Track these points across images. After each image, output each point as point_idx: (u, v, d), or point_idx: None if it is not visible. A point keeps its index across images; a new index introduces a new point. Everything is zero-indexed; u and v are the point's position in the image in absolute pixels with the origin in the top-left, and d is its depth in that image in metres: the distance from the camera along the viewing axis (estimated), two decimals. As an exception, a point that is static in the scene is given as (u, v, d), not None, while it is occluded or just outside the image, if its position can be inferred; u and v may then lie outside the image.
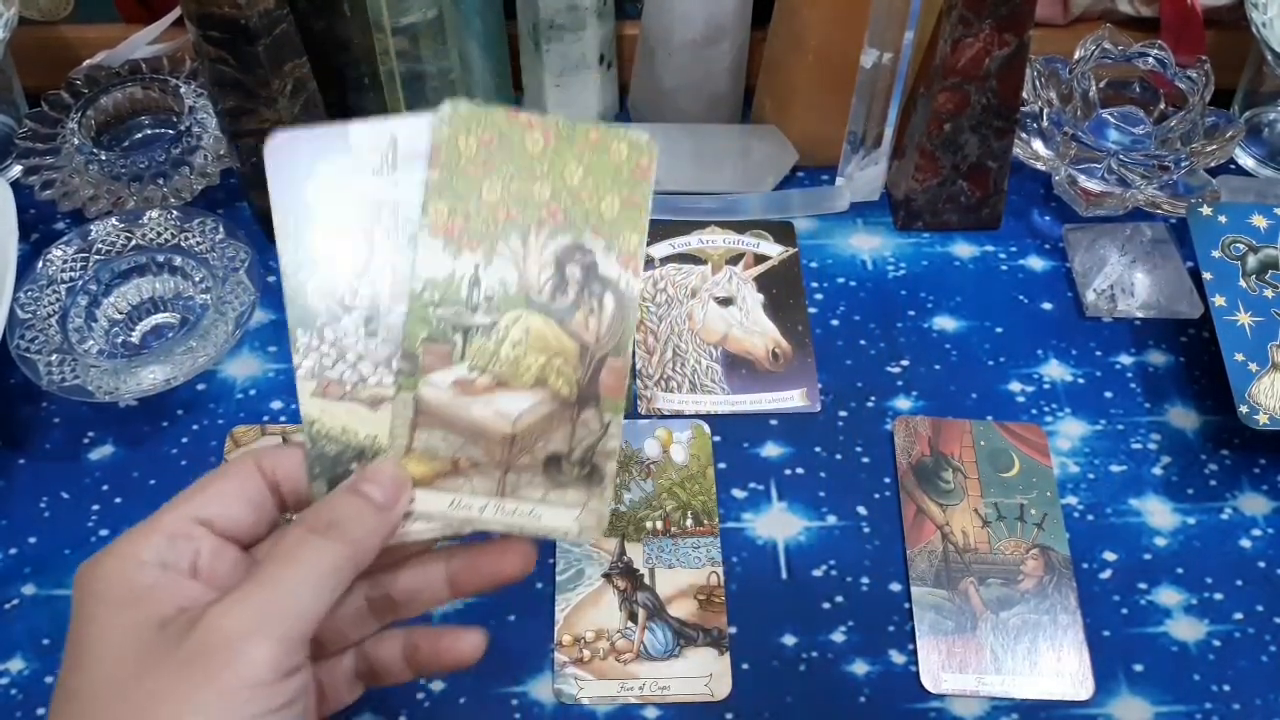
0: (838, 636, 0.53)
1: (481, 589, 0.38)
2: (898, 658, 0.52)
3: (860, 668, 0.52)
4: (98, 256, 0.61)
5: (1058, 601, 0.53)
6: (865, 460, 0.58)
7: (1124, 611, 0.54)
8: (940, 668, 0.51)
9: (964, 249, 0.68)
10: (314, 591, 0.33)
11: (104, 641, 0.32)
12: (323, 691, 0.38)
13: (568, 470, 0.38)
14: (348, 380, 0.37)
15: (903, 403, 0.61)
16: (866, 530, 0.56)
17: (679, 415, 0.60)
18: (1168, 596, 0.54)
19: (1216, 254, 0.61)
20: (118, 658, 0.32)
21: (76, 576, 0.34)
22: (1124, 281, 0.65)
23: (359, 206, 0.37)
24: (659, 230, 0.67)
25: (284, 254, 0.37)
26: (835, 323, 0.64)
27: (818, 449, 0.59)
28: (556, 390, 0.38)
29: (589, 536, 0.38)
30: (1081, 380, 0.62)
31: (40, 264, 0.60)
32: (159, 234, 0.62)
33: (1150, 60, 0.68)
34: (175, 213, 0.62)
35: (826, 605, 0.54)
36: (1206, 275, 0.60)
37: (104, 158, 0.65)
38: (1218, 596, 0.54)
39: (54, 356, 0.57)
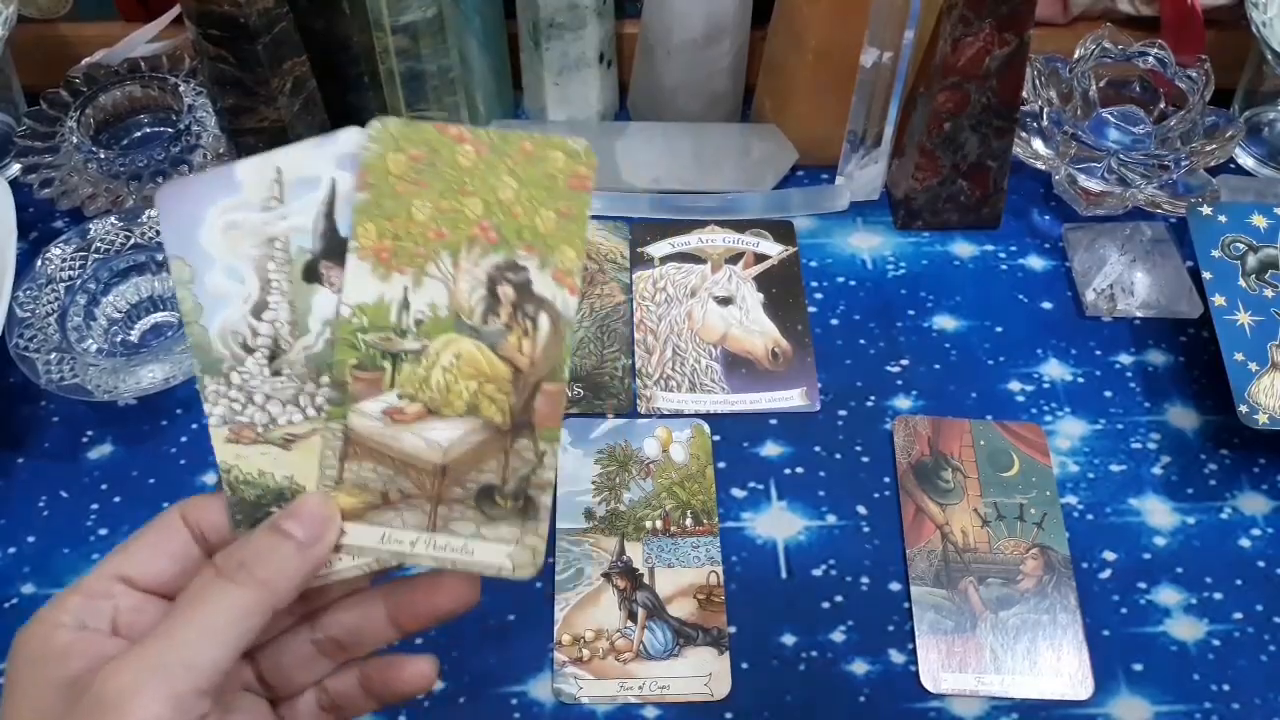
0: (837, 636, 0.53)
1: (422, 626, 0.37)
2: (897, 657, 0.52)
3: (860, 667, 0.52)
4: (96, 255, 0.61)
5: (1057, 601, 0.53)
6: (865, 460, 0.58)
7: (1123, 611, 0.54)
8: (940, 667, 0.51)
9: (964, 248, 0.68)
10: (214, 640, 0.32)
11: (18, 703, 0.32)
12: None
13: (501, 503, 0.36)
14: (258, 422, 0.36)
15: (902, 402, 0.61)
16: (866, 530, 0.56)
17: (679, 414, 0.60)
18: (1167, 596, 0.54)
19: (1216, 253, 0.61)
20: (29, 717, 0.32)
21: (12, 644, 0.33)
22: (1124, 281, 0.65)
23: (251, 244, 0.36)
24: (659, 229, 0.67)
25: (183, 302, 0.36)
26: (835, 322, 0.64)
27: (817, 448, 0.59)
28: (489, 418, 0.36)
29: (523, 574, 0.36)
30: (1081, 380, 0.62)
31: (39, 263, 0.60)
32: (158, 232, 0.62)
33: (1150, 60, 0.68)
34: (174, 211, 0.62)
35: (826, 605, 0.54)
36: (1206, 275, 0.60)
37: (103, 156, 0.65)
38: (1217, 596, 0.54)
39: (53, 355, 0.57)
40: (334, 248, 0.36)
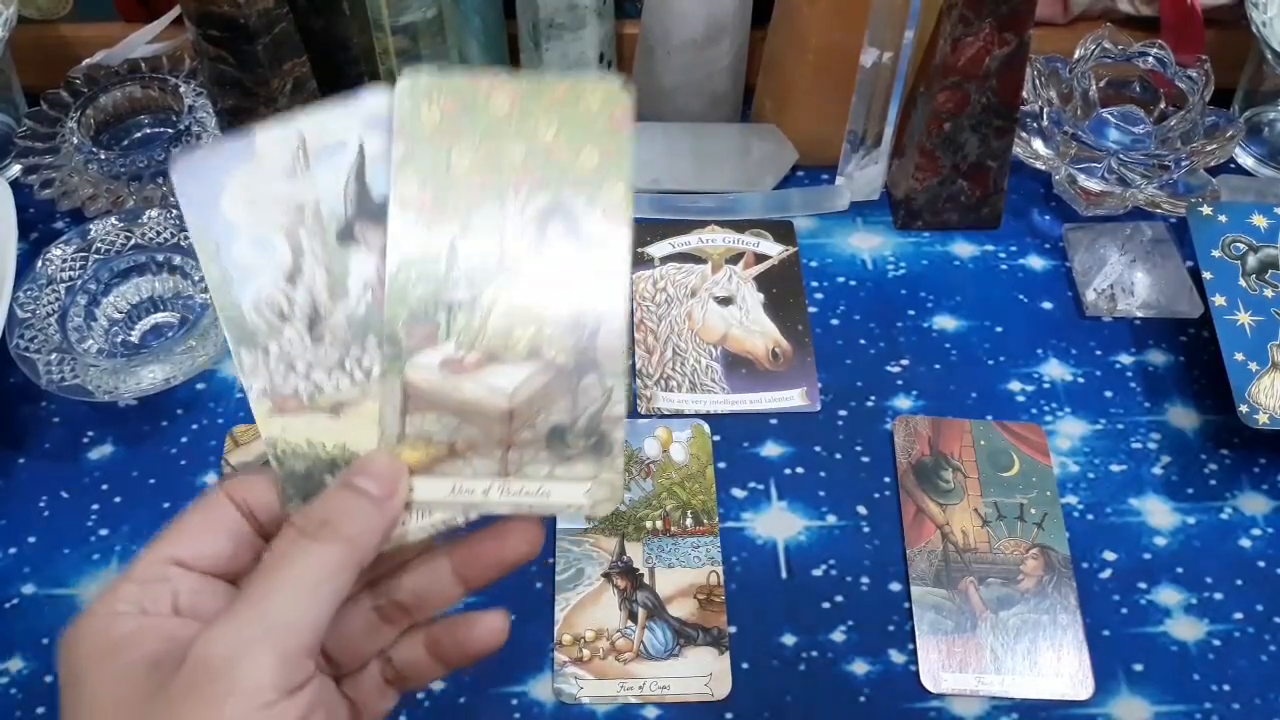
0: (837, 636, 0.53)
1: (490, 578, 0.36)
2: (897, 657, 0.52)
3: (860, 667, 0.52)
4: (97, 255, 0.61)
5: (1057, 601, 0.53)
6: (865, 460, 0.58)
7: (1124, 611, 0.54)
8: (940, 667, 0.51)
9: (964, 248, 0.68)
10: (310, 598, 0.31)
11: (95, 699, 0.31)
12: (355, 708, 0.36)
13: (573, 442, 0.35)
14: (303, 391, 0.35)
15: (903, 402, 0.61)
16: (866, 530, 0.56)
17: (679, 415, 0.60)
18: (1167, 596, 0.54)
19: (1216, 253, 0.61)
20: (111, 711, 0.30)
21: (60, 645, 0.32)
22: (1124, 281, 0.65)
23: (278, 212, 0.35)
24: (659, 229, 0.67)
25: (210, 276, 0.35)
26: (835, 322, 0.64)
27: (818, 448, 0.59)
28: (552, 359, 0.35)
29: (603, 509, 0.36)
30: (1081, 380, 0.62)
31: (40, 263, 0.60)
32: (158, 233, 0.62)
33: (1150, 59, 0.68)
34: (175, 212, 0.62)
35: (826, 605, 0.54)
36: (1206, 275, 0.60)
37: (103, 157, 0.65)
38: (1217, 596, 0.54)
39: (53, 356, 0.57)
40: (368, 210, 0.35)
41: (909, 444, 0.58)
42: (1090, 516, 0.57)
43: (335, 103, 0.35)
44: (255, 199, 0.35)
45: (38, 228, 0.67)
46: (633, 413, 0.60)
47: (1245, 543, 0.56)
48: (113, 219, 0.62)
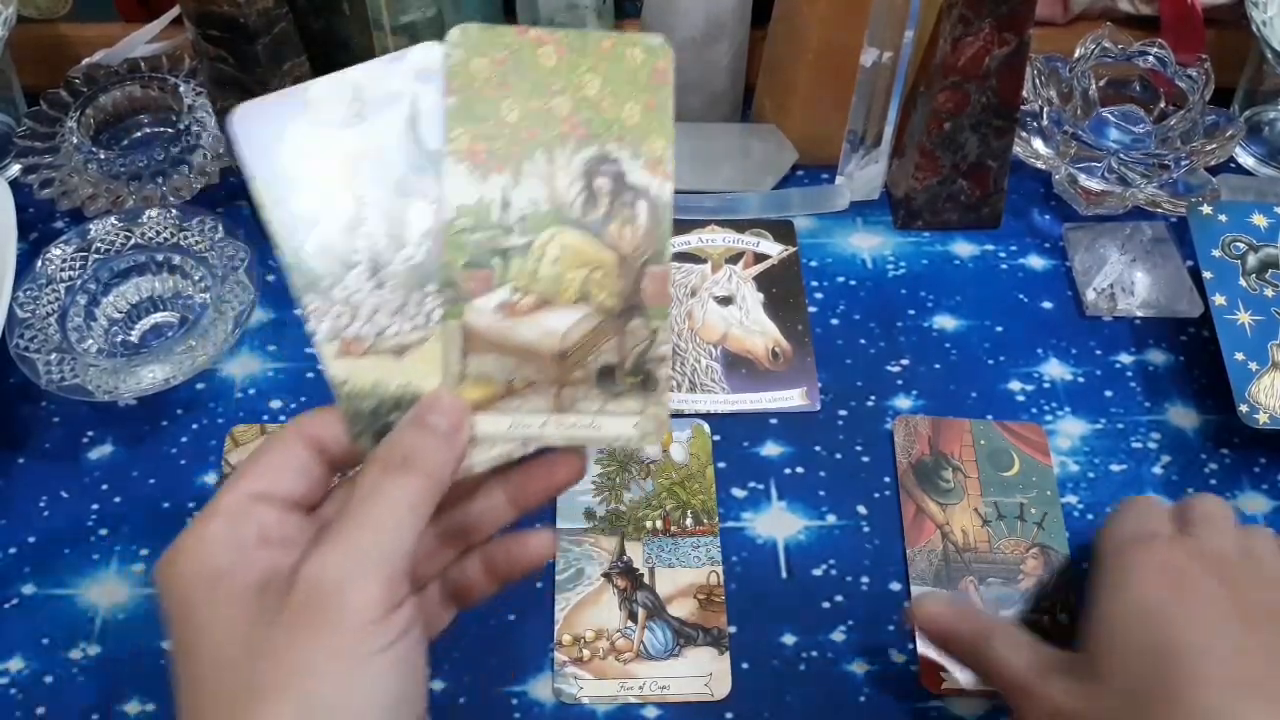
0: (838, 636, 0.53)
1: (540, 501, 0.40)
2: (897, 657, 0.52)
3: (860, 667, 0.52)
4: (97, 255, 0.61)
5: (1058, 602, 0.53)
6: (865, 460, 0.58)
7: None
8: (940, 667, 0.51)
9: (964, 248, 0.68)
10: (401, 525, 0.34)
11: (208, 624, 0.33)
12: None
13: (621, 380, 0.38)
14: (367, 335, 0.37)
15: (903, 402, 0.61)
16: (866, 530, 0.56)
17: (679, 415, 0.60)
18: (1167, 596, 0.54)
19: (1216, 253, 0.61)
20: (225, 634, 0.33)
21: (156, 577, 0.34)
22: (1124, 280, 0.65)
23: (336, 162, 0.36)
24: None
25: (272, 223, 0.36)
26: (835, 322, 0.64)
27: (817, 448, 0.59)
28: (600, 303, 0.38)
29: (651, 441, 0.38)
30: (1081, 379, 0.62)
31: (39, 263, 0.60)
32: (158, 233, 0.62)
33: (1150, 59, 0.68)
34: (174, 211, 0.62)
35: (826, 605, 0.54)
36: (1207, 274, 0.60)
37: (103, 156, 0.65)
38: (1217, 596, 0.54)
39: (53, 356, 0.57)
40: (423, 161, 0.37)
41: (909, 444, 0.58)
42: (1090, 516, 0.57)
43: (387, 57, 0.36)
44: (315, 149, 0.36)
45: (37, 227, 0.67)
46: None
47: (1245, 542, 0.56)
48: (112, 219, 0.62)
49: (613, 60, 0.37)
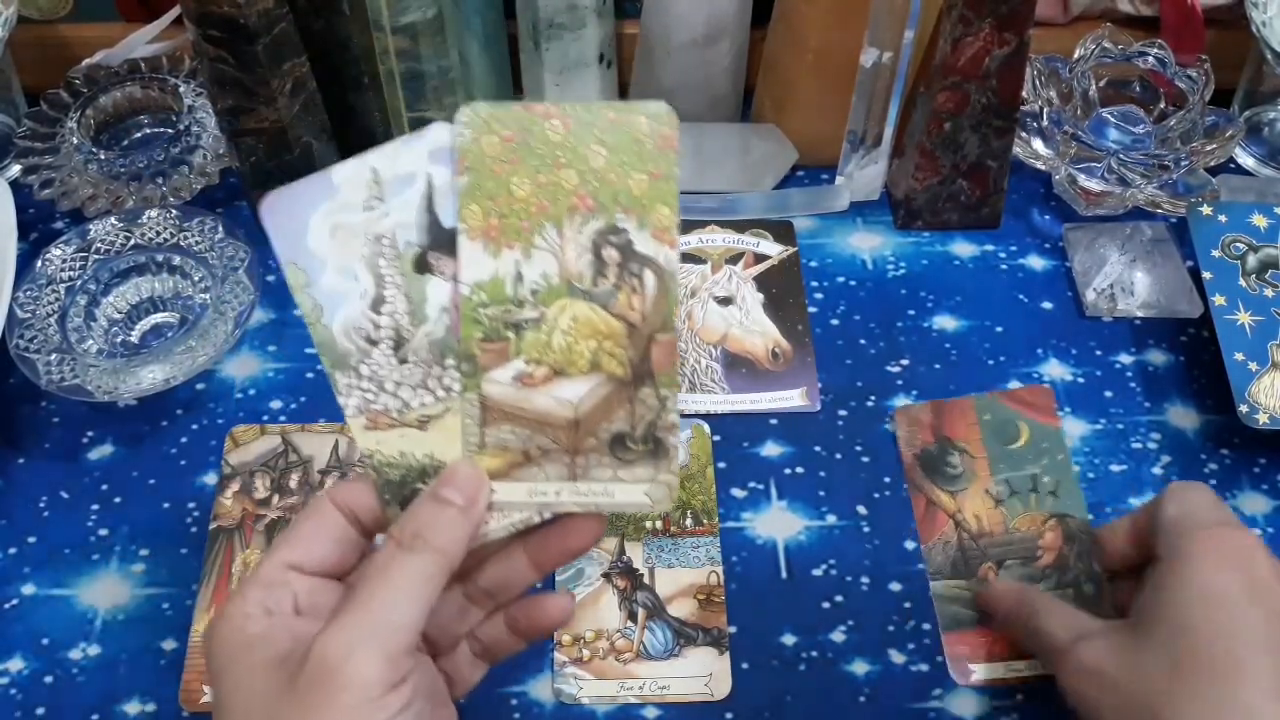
0: (838, 636, 0.53)
1: (559, 563, 0.41)
2: (897, 657, 0.52)
3: (860, 667, 0.52)
4: (97, 256, 0.61)
5: (1081, 571, 0.52)
6: (865, 459, 0.58)
7: (1124, 611, 0.54)
8: (969, 659, 0.51)
9: (964, 248, 0.68)
10: (409, 603, 0.35)
11: (237, 690, 0.35)
12: (450, 679, 0.41)
13: (633, 448, 0.39)
14: (392, 408, 0.39)
15: (902, 402, 0.61)
16: (867, 529, 0.56)
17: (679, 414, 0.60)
18: (1168, 596, 0.54)
19: (1216, 253, 0.61)
20: (251, 702, 0.35)
21: (205, 642, 0.37)
22: (1124, 281, 0.65)
23: (359, 243, 0.38)
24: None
25: (303, 305, 0.38)
26: (835, 322, 0.64)
27: (818, 448, 0.59)
28: (611, 372, 0.39)
29: (662, 507, 0.40)
30: (1081, 380, 0.62)
31: (39, 263, 0.60)
32: (158, 233, 0.62)
33: (1150, 59, 0.68)
34: (174, 212, 0.62)
35: (826, 605, 0.54)
36: (1206, 274, 0.60)
37: (103, 157, 0.65)
38: (1218, 596, 0.54)
39: (53, 356, 0.57)
40: (439, 239, 0.38)
41: (911, 435, 0.58)
42: (1090, 516, 0.57)
43: (403, 139, 0.38)
44: (338, 231, 0.38)
45: (37, 228, 0.67)
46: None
47: (1245, 542, 0.56)
48: (112, 219, 0.62)
49: (618, 130, 0.38)
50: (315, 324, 0.38)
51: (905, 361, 0.62)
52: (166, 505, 0.56)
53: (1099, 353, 0.63)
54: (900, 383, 0.61)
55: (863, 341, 0.63)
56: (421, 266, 0.38)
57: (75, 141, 0.65)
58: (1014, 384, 0.61)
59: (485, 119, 0.38)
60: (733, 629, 0.53)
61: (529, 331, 0.39)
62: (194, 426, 0.59)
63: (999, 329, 0.64)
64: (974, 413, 0.58)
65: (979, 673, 0.51)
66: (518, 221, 0.38)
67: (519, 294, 0.38)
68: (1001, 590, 0.51)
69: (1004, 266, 0.67)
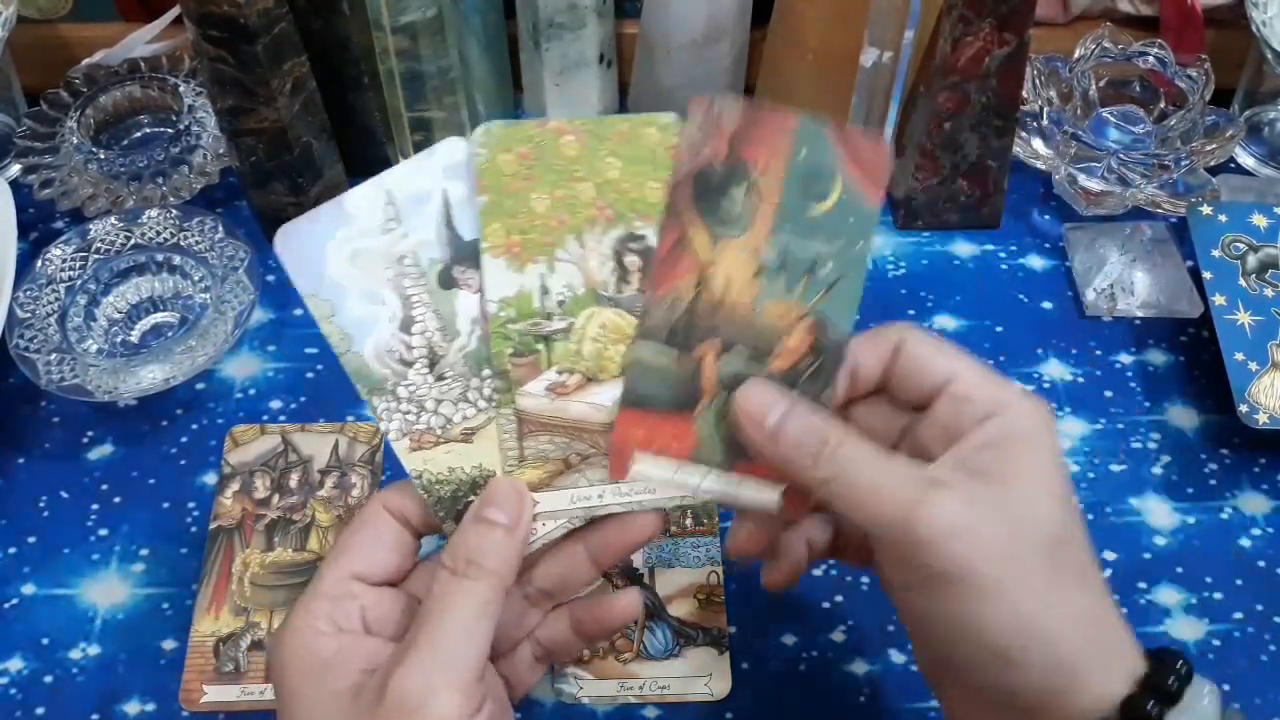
0: (838, 636, 0.53)
1: (621, 559, 0.41)
2: (897, 657, 0.52)
3: (860, 667, 0.52)
4: (97, 255, 0.61)
5: (813, 392, 0.39)
6: (865, 460, 0.58)
7: (1123, 610, 0.53)
8: (640, 445, 0.40)
9: (964, 248, 0.68)
10: (472, 631, 0.36)
11: (309, 714, 0.36)
12: (509, 683, 0.41)
13: None
14: (435, 426, 0.39)
15: (902, 402, 0.61)
16: (866, 530, 0.56)
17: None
18: (1167, 596, 0.54)
19: (1216, 253, 0.61)
20: None
21: (269, 653, 0.38)
22: (1124, 280, 0.65)
23: (380, 267, 0.38)
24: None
25: (330, 336, 0.38)
26: (835, 322, 0.64)
27: (817, 448, 0.59)
28: None
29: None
30: (1081, 379, 0.62)
31: (39, 263, 0.60)
32: (158, 233, 0.62)
33: (1150, 59, 0.68)
34: (174, 212, 0.62)
35: (826, 605, 0.54)
36: (1206, 274, 0.60)
37: (103, 156, 0.65)
38: (1217, 596, 0.54)
39: (53, 356, 0.57)
40: (461, 252, 0.39)
41: (702, 137, 0.40)
42: (1090, 516, 0.57)
43: (414, 159, 0.39)
44: (357, 257, 0.38)
45: (37, 228, 0.67)
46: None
47: (1245, 542, 0.56)
48: (112, 219, 0.62)
49: (630, 142, 0.39)
50: (345, 353, 0.39)
51: (905, 361, 0.62)
52: (166, 505, 0.56)
53: (1099, 352, 0.63)
54: (900, 383, 0.61)
55: (863, 341, 0.63)
56: (447, 282, 0.39)
57: (75, 141, 0.65)
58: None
59: (500, 138, 0.38)
60: (733, 629, 0.53)
61: (559, 342, 0.39)
62: (194, 426, 0.59)
63: (999, 329, 0.64)
64: (790, 139, 0.40)
65: (643, 465, 0.40)
66: (539, 236, 0.39)
67: (546, 306, 0.39)
68: (786, 405, 0.38)
69: (1004, 266, 0.67)
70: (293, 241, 0.38)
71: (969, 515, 0.35)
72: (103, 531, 0.55)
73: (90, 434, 0.59)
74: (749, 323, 0.40)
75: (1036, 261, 0.67)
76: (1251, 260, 0.61)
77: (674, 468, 0.39)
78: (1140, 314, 0.64)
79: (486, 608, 0.36)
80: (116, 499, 0.56)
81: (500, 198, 0.38)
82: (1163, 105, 0.69)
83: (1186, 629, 0.53)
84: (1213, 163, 0.66)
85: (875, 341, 0.41)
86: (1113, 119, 0.67)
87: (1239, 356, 0.57)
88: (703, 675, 0.51)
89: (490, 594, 0.37)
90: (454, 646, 0.36)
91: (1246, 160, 0.72)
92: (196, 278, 0.61)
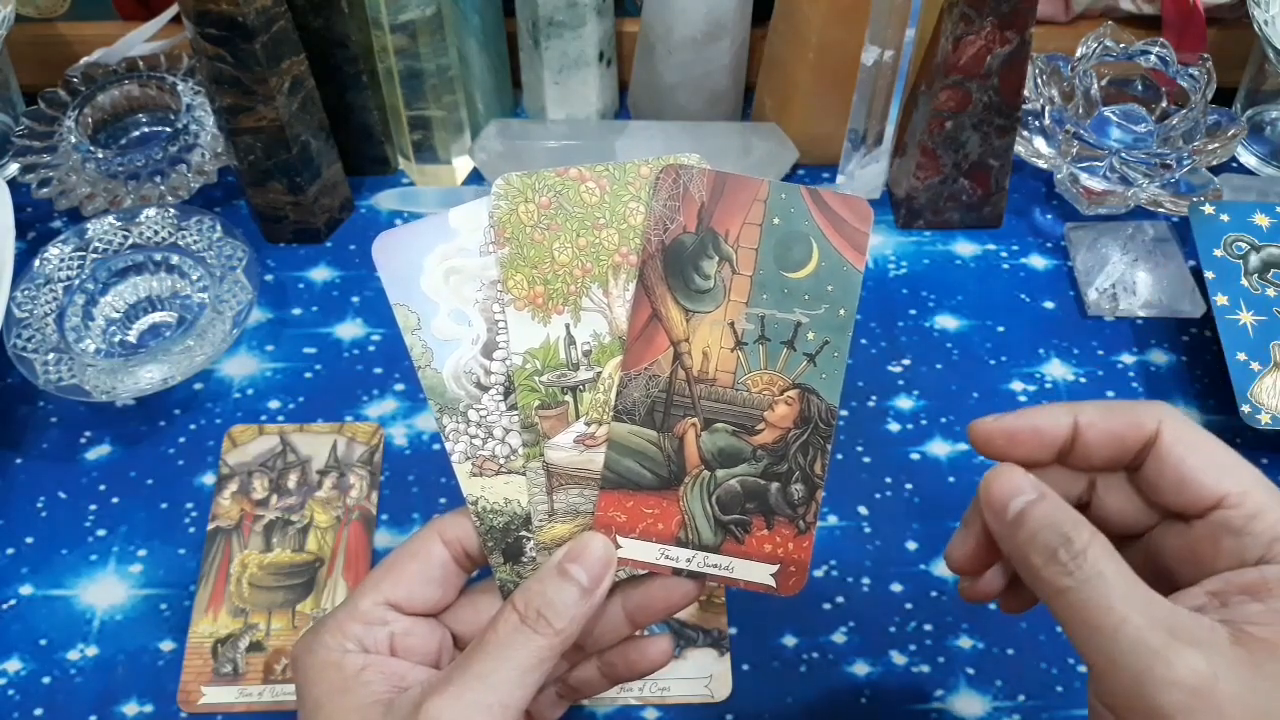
0: (838, 637, 0.53)
1: (657, 620, 0.40)
2: (898, 658, 0.52)
3: (861, 668, 0.52)
4: (95, 255, 0.61)
5: (799, 467, 0.39)
6: (866, 459, 0.58)
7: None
8: (620, 531, 0.39)
9: (965, 247, 0.68)
10: (522, 681, 0.35)
11: None
12: (530, 718, 0.41)
13: None
14: (500, 455, 0.39)
15: (904, 402, 0.60)
16: (867, 530, 0.56)
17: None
18: (1170, 597, 0.54)
19: (1219, 253, 0.61)
20: None
21: (293, 661, 0.37)
22: (1126, 280, 0.65)
23: (473, 288, 0.38)
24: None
25: (413, 348, 0.38)
26: (836, 322, 0.64)
27: (818, 449, 0.59)
28: None
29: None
30: (1083, 379, 0.62)
31: (37, 263, 0.60)
32: (156, 232, 0.62)
33: (1152, 58, 0.68)
34: (172, 211, 0.62)
35: (827, 606, 0.54)
36: (1208, 274, 0.60)
37: (101, 156, 0.65)
38: (1220, 597, 0.54)
39: (51, 356, 0.57)
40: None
41: (670, 211, 0.39)
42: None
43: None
44: (452, 275, 0.38)
45: (35, 227, 0.67)
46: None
47: (1248, 543, 0.56)
48: (110, 218, 0.62)
49: (652, 186, 0.38)
50: (425, 368, 0.38)
51: (907, 361, 0.62)
52: (164, 505, 0.56)
53: (1101, 352, 0.63)
54: (901, 383, 0.61)
55: (864, 341, 0.63)
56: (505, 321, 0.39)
57: (73, 140, 0.65)
58: (1015, 383, 0.61)
59: (520, 188, 0.38)
60: (733, 630, 0.53)
61: (586, 393, 0.38)
62: (192, 426, 0.59)
63: (1001, 328, 0.64)
64: (764, 205, 0.39)
65: (628, 550, 0.39)
66: (564, 286, 0.38)
67: (573, 357, 0.38)
68: (1031, 500, 0.34)
69: (1006, 266, 0.67)
70: (391, 249, 0.38)
71: (1219, 691, 0.29)
72: (101, 532, 0.55)
73: (88, 434, 0.59)
74: (730, 398, 0.39)
75: (1038, 261, 0.67)
76: (1254, 260, 0.61)
77: (659, 551, 0.38)
78: (1142, 314, 0.64)
79: (542, 664, 0.36)
80: (114, 499, 0.56)
81: (522, 248, 0.38)
82: (1165, 104, 0.69)
83: (1189, 630, 0.53)
84: (1215, 162, 0.66)
85: (1118, 416, 0.36)
86: (1115, 118, 0.67)
87: (1241, 356, 0.57)
88: (703, 677, 0.51)
89: (550, 652, 0.36)
90: (502, 690, 0.35)
91: (1248, 159, 0.72)
92: (195, 277, 0.61)
